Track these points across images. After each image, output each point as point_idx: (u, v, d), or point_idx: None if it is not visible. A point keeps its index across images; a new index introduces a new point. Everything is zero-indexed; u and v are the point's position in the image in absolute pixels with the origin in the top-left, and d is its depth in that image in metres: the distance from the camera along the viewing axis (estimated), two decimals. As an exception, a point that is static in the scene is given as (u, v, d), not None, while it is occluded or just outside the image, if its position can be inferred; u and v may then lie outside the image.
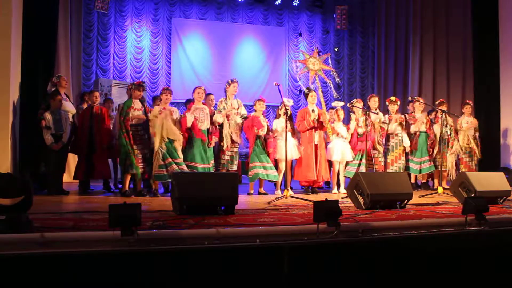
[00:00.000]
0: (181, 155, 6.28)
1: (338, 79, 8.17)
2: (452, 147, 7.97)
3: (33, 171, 6.74)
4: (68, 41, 9.15)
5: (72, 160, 7.64)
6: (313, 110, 7.18)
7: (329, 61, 8.04)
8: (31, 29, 7.07)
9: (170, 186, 5.83)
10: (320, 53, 7.92)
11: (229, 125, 6.69)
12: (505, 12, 9.78)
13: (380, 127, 7.47)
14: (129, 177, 6.37)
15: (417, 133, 7.80)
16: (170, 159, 6.15)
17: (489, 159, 8.33)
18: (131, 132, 6.23)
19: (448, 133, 7.85)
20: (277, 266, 3.10)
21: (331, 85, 8.07)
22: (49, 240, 3.02)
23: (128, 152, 6.17)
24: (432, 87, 11.14)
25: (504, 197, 5.74)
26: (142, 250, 2.90)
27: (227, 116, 6.70)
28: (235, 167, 6.77)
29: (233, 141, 6.73)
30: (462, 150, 8.04)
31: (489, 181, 5.69)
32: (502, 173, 6.02)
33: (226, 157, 6.71)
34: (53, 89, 6.72)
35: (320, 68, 7.83)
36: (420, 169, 7.80)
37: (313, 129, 7.11)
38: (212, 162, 6.60)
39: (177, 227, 3.71)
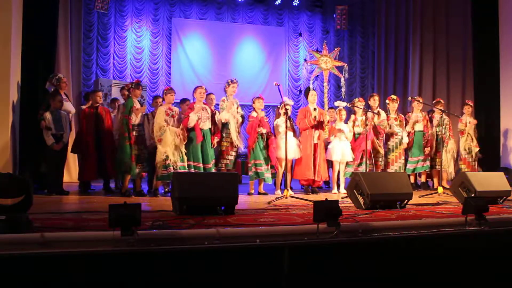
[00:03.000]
0: (184, 157, 6.29)
1: (347, 74, 8.14)
2: (447, 146, 7.99)
3: (33, 171, 6.74)
4: (68, 41, 9.14)
5: (72, 160, 7.64)
6: (314, 109, 7.18)
7: (338, 56, 8.02)
8: (31, 29, 7.06)
9: (170, 186, 5.85)
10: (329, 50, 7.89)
11: (230, 123, 6.69)
12: (505, 12, 9.77)
13: (379, 126, 7.46)
14: (128, 177, 6.37)
15: (412, 132, 7.81)
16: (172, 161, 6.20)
17: (489, 159, 8.34)
18: (133, 133, 6.24)
19: (443, 132, 7.87)
20: (277, 266, 3.10)
21: (344, 80, 8.05)
22: (49, 240, 3.01)
23: (130, 154, 6.17)
24: (432, 87, 11.12)
25: (504, 197, 5.74)
26: (142, 250, 2.90)
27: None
28: (229, 167, 6.75)
29: (232, 144, 6.72)
30: (465, 149, 8.07)
31: (489, 181, 5.69)
32: (502, 173, 6.03)
33: (230, 157, 6.72)
34: (52, 88, 6.72)
35: (332, 66, 7.80)
36: (414, 168, 7.82)
37: (313, 128, 7.10)
38: (213, 162, 6.59)
39: (177, 227, 3.71)
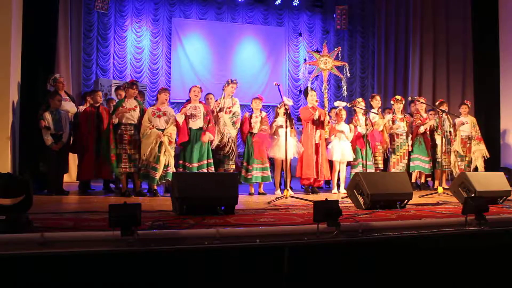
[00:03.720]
0: (161, 159, 6.24)
1: (348, 73, 8.10)
2: (453, 146, 8.00)
3: (33, 171, 6.74)
4: (68, 41, 9.14)
5: (72, 160, 7.63)
6: (315, 108, 7.19)
7: (339, 56, 8.00)
8: (31, 29, 7.07)
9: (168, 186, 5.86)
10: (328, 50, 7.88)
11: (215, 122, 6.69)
12: (505, 12, 9.78)
13: (385, 126, 7.47)
14: (125, 177, 6.37)
15: (427, 132, 7.80)
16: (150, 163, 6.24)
17: (489, 159, 8.34)
18: (111, 132, 6.22)
19: (448, 132, 7.87)
20: (277, 266, 3.10)
21: (344, 80, 8.02)
22: (49, 240, 3.01)
23: (106, 150, 6.20)
24: (432, 87, 11.13)
25: (504, 197, 5.74)
26: (142, 250, 2.90)
27: (216, 113, 6.74)
28: (228, 166, 6.74)
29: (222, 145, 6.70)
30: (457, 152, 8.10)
31: (489, 181, 5.69)
32: (502, 173, 6.02)
33: (218, 156, 6.73)
34: (52, 88, 6.72)
35: (332, 66, 7.77)
36: (431, 168, 7.80)
37: (314, 125, 7.10)
38: (205, 161, 6.49)
39: (177, 227, 3.71)
